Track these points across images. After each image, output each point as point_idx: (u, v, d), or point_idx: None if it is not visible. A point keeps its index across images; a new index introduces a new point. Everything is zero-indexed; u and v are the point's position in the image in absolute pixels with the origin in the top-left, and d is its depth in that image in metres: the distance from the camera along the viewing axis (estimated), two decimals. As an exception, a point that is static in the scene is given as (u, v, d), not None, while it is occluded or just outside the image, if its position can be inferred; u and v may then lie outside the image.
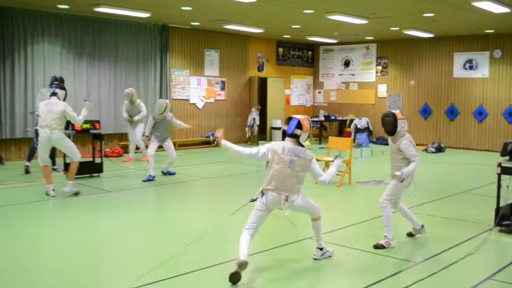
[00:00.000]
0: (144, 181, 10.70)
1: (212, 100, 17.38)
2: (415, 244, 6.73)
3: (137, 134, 13.46)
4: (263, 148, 5.56)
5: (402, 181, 6.47)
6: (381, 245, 6.36)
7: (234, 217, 5.90)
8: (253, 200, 5.65)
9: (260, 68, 19.06)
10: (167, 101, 11.16)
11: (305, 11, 13.00)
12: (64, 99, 9.13)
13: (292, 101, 20.34)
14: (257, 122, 17.73)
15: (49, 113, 8.76)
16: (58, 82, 11.11)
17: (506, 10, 11.82)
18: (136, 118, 13.36)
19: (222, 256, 5.93)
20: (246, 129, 17.79)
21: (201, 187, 10.96)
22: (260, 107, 18.22)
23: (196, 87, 16.92)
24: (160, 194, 10.09)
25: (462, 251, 6.29)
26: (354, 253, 6.32)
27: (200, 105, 16.88)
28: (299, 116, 5.69)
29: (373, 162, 15.00)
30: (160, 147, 11.24)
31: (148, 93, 15.53)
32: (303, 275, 5.55)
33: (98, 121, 11.28)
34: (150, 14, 13.51)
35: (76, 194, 9.19)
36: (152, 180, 10.71)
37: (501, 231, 7.19)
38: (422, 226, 6.88)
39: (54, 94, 9.03)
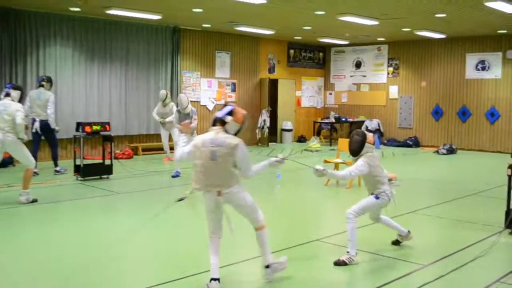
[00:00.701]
0: (173, 176, 11.42)
1: (222, 102, 17.41)
2: (424, 246, 6.68)
3: (175, 135, 13.14)
4: (189, 146, 5.15)
5: (377, 198, 6.09)
6: (343, 261, 5.87)
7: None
8: (180, 200, 5.35)
9: (271, 70, 19.07)
10: (187, 95, 11.36)
11: (316, 13, 13.00)
12: (20, 101, 8.70)
13: (303, 103, 20.32)
14: (268, 123, 17.74)
15: (0, 114, 8.32)
16: (46, 82, 11.27)
17: (519, 10, 11.75)
18: (168, 119, 12.90)
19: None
20: (257, 130, 17.80)
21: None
22: (270, 109, 18.23)
23: (207, 89, 16.97)
24: (167, 195, 10.12)
25: (472, 253, 6.25)
26: (363, 255, 6.28)
27: (210, 106, 16.92)
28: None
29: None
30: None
31: (159, 95, 15.57)
32: (309, 278, 5.53)
33: (108, 123, 11.32)
34: (161, 16, 13.57)
35: (34, 201, 8.68)
36: (178, 176, 11.36)
37: (511, 233, 7.13)
38: (409, 232, 6.52)
39: (7, 95, 8.56)
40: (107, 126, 11.14)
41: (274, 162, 5.43)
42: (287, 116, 19.14)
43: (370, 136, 6.13)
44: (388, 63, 19.58)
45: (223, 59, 17.38)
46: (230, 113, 5.08)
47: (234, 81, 17.77)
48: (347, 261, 5.87)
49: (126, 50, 14.83)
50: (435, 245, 6.79)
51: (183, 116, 11.12)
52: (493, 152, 16.75)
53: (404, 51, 19.12)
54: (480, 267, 5.86)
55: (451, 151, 16.80)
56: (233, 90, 17.75)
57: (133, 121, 14.92)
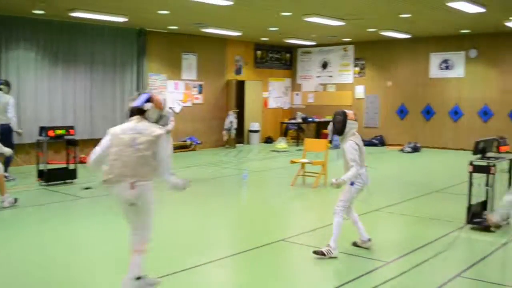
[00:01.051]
0: None
1: (189, 103, 17.35)
2: (387, 243, 6.77)
3: None
4: (104, 139, 4.74)
5: (352, 184, 6.15)
6: (321, 252, 6.01)
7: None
8: (87, 188, 5.09)
9: (238, 71, 19.07)
10: (165, 97, 11.23)
11: (282, 14, 13.04)
12: None
13: (270, 104, 20.37)
14: (235, 125, 17.74)
15: None
16: (4, 86, 11.14)
17: (481, 10, 11.95)
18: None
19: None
20: (224, 132, 17.77)
21: (186, 191, 10.87)
22: (237, 110, 18.23)
23: (174, 91, 16.88)
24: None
25: (434, 249, 6.37)
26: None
27: (177, 109, 16.83)
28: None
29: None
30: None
31: (125, 98, 15.43)
32: (273, 278, 5.56)
33: (72, 127, 11.18)
34: (127, 19, 13.45)
35: (15, 200, 8.67)
36: None
37: (472, 228, 7.28)
38: (369, 239, 6.42)
39: None
40: (71, 130, 11.00)
41: (176, 185, 4.83)
42: (254, 117, 19.17)
43: (350, 113, 6.22)
44: (354, 63, 19.77)
45: (189, 61, 17.32)
46: (149, 100, 4.82)
47: (201, 82, 17.72)
48: (325, 253, 6.02)
49: (91, 53, 14.65)
50: (398, 242, 6.89)
51: (158, 118, 11.07)
52: (456, 149, 17.03)
53: (370, 51, 19.34)
54: (442, 262, 5.96)
55: (415, 149, 17.05)
56: (200, 92, 17.70)
57: (99, 125, 14.73)
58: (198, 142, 17.14)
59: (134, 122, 4.70)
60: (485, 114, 17.00)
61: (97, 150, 4.75)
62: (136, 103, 4.82)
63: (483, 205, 7.56)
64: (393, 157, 15.97)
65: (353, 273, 5.55)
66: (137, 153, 4.53)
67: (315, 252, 6.03)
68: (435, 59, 17.91)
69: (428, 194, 10.03)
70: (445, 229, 7.27)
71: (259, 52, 19.89)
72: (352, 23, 14.46)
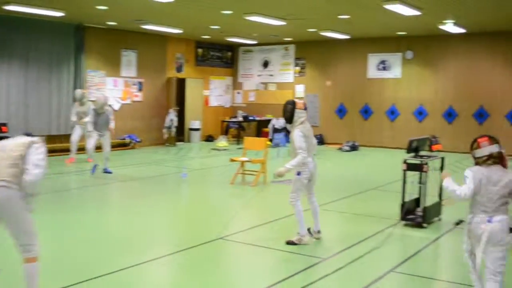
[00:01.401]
0: (92, 172, 11.36)
1: (128, 101, 17.08)
2: (324, 240, 6.88)
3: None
4: None
5: (299, 174, 6.37)
6: (292, 241, 6.45)
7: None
8: None
9: (179, 69, 18.93)
10: (106, 95, 11.34)
11: (223, 12, 13.02)
12: None
13: (211, 102, 20.32)
14: (175, 123, 17.60)
15: None
16: None
17: (416, 13, 12.30)
18: (86, 119, 12.23)
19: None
20: (164, 130, 17.60)
21: (125, 189, 10.73)
22: (178, 108, 18.10)
23: (113, 88, 16.58)
24: (76, 196, 9.83)
25: (369, 245, 6.52)
26: (265, 251, 6.38)
27: (116, 106, 16.55)
28: None
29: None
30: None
31: (62, 95, 15.06)
32: (211, 276, 5.55)
33: (5, 124, 10.85)
34: (64, 13, 13.10)
35: None
36: (96, 168, 11.41)
37: (406, 225, 7.50)
38: (319, 231, 6.75)
39: None
40: (3, 127, 10.66)
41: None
42: (195, 115, 19.08)
43: (300, 103, 6.49)
44: (295, 62, 19.98)
45: (129, 58, 17.05)
46: None
47: (141, 80, 17.48)
48: (296, 242, 6.39)
49: (26, 48, 14.18)
50: (335, 239, 7.00)
51: (98, 115, 11.33)
52: (393, 148, 17.48)
53: (310, 51, 19.58)
54: (376, 258, 6.11)
55: (354, 148, 17.40)
56: (140, 89, 17.46)
57: (34, 122, 14.30)
58: (138, 140, 16.90)
59: None
60: (420, 114, 17.53)
61: None
62: None
63: (416, 202, 7.80)
64: (332, 156, 16.23)
65: (291, 270, 5.61)
66: (4, 155, 4.20)
67: (287, 243, 6.40)
68: (373, 60, 18.32)
69: (365, 192, 10.26)
70: (380, 226, 7.46)
71: (200, 50, 19.79)
72: (293, 23, 14.60)
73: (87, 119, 11.96)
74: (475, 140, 4.44)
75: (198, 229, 7.50)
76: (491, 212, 4.28)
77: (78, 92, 13.20)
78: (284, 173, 6.31)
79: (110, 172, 11.66)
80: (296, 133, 6.31)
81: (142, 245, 6.59)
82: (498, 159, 4.35)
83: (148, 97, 17.74)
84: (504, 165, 4.37)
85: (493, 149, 4.34)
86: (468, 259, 4.52)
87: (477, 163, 4.43)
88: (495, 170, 4.33)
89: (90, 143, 11.55)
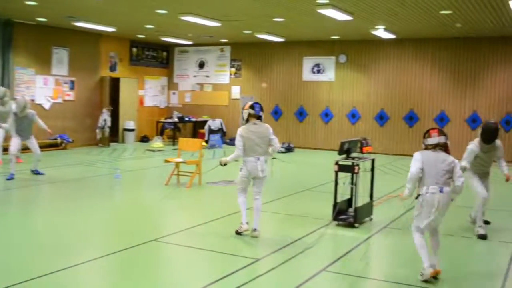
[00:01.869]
0: (7, 179, 10.67)
1: (60, 100, 16.60)
2: (258, 241, 6.92)
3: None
4: None
5: (240, 171, 6.98)
6: (236, 230, 7.01)
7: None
8: None
9: (113, 68, 18.56)
10: (26, 98, 11.13)
11: (158, 11, 12.87)
12: None
13: (145, 102, 20.03)
14: (109, 123, 17.25)
15: None
16: None
17: (348, 18, 12.58)
18: (5, 125, 11.87)
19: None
20: (97, 130, 17.23)
21: (57, 191, 10.40)
22: (111, 108, 17.75)
23: (43, 87, 16.06)
24: (3, 198, 9.48)
25: (302, 245, 6.60)
26: (199, 253, 6.36)
27: (47, 105, 16.05)
28: None
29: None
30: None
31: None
32: (145, 278, 5.47)
33: None
34: (-10, 8, 12.62)
35: None
36: (13, 178, 10.69)
37: (338, 225, 7.64)
38: (255, 229, 7.02)
39: None
40: None
41: None
42: (129, 115, 18.77)
43: (247, 105, 7.06)
44: (231, 64, 20.00)
45: (60, 56, 16.58)
46: None
47: (73, 79, 17.02)
48: (238, 230, 6.98)
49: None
50: (269, 239, 7.05)
51: (19, 119, 10.90)
52: (327, 150, 17.78)
53: (246, 53, 19.65)
54: (309, 258, 6.19)
55: (289, 149, 17.59)
56: (72, 88, 16.99)
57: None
58: (70, 140, 16.46)
59: None
60: (353, 116, 17.92)
61: None
62: None
63: (348, 202, 7.96)
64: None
65: (224, 271, 5.60)
66: None
67: (236, 232, 6.98)
68: (308, 63, 18.59)
69: (299, 193, 10.39)
70: (313, 226, 7.56)
71: (135, 49, 19.49)
72: (228, 25, 14.62)
73: (6, 124, 11.52)
74: (427, 131, 5.67)
75: (131, 231, 7.38)
76: (441, 184, 5.44)
77: (0, 89, 12.43)
78: (224, 162, 7.01)
79: (41, 174, 11.34)
80: (237, 132, 6.92)
81: (74, 247, 6.44)
82: (443, 148, 5.56)
83: (80, 96, 17.30)
84: (448, 153, 5.58)
85: (441, 139, 5.56)
86: (418, 221, 5.57)
87: (426, 148, 5.61)
88: (441, 154, 5.53)
89: (13, 146, 10.89)
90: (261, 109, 7.12)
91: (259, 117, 7.04)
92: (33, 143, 11.20)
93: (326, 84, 18.34)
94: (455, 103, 16.54)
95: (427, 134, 5.64)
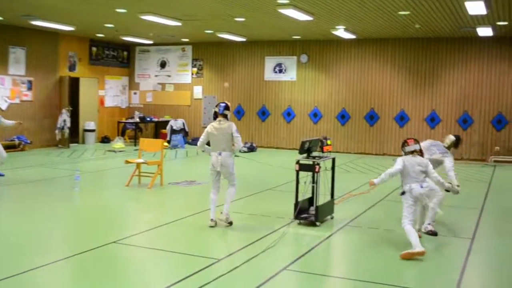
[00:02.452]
0: None
1: (17, 100, 16.22)
2: (219, 241, 6.91)
3: None
4: None
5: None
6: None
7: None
8: None
9: (72, 68, 18.24)
10: None
11: (117, 10, 12.71)
12: None
13: (106, 102, 19.75)
14: (68, 124, 16.96)
15: None
16: None
17: (309, 18, 12.66)
18: None
19: (17, 266, 5.55)
20: (56, 131, 16.92)
21: (15, 192, 10.15)
22: (71, 109, 17.45)
23: (-1, 87, 15.71)
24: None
25: (264, 245, 6.60)
26: (160, 254, 6.30)
27: (3, 106, 15.68)
28: None
29: (188, 163, 15.17)
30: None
31: None
32: (105, 280, 5.40)
33: None
34: None
35: None
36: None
37: (299, 224, 7.68)
38: (227, 218, 7.56)
39: None
40: None
41: None
42: (89, 116, 18.50)
43: (221, 105, 7.54)
44: (193, 63, 19.90)
45: (17, 55, 16.20)
46: None
47: (30, 79, 16.66)
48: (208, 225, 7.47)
49: None
50: (231, 239, 7.06)
51: None
52: (289, 149, 17.88)
53: (208, 52, 19.59)
54: (270, 257, 6.20)
55: (251, 149, 17.61)
56: (29, 88, 16.64)
57: None
58: (28, 141, 16.11)
59: None
60: (315, 116, 18.05)
61: None
62: None
63: (310, 201, 8.01)
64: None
65: (185, 272, 5.57)
66: None
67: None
68: (270, 62, 18.64)
69: (261, 192, 10.40)
70: (275, 225, 7.59)
71: (94, 49, 19.21)
72: (189, 24, 14.54)
73: None
74: (405, 141, 6.71)
75: (91, 233, 7.27)
76: (420, 181, 6.47)
77: None
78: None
79: (1, 175, 11.14)
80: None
81: (33, 250, 6.31)
82: (419, 153, 6.63)
83: (39, 96, 16.95)
84: (422, 156, 6.70)
85: (416, 147, 6.63)
86: (410, 208, 6.47)
87: (406, 155, 6.60)
88: (418, 158, 6.58)
89: None
90: (226, 108, 7.52)
91: (224, 116, 7.51)
92: None
93: (288, 83, 18.43)
94: (415, 102, 16.82)
95: (405, 143, 6.70)
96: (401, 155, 6.72)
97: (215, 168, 7.50)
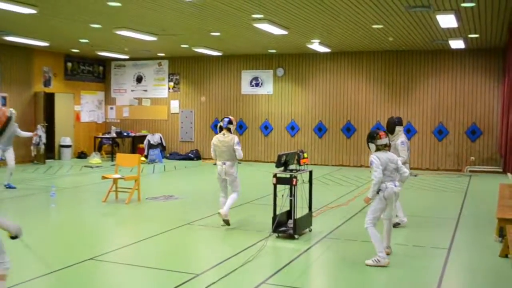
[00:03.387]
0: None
1: (-9, 117, 15.99)
2: (198, 257, 6.87)
3: None
4: None
5: None
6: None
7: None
8: None
9: (47, 83, 18.09)
10: (12, 110, 11.17)
11: (92, 25, 12.67)
12: None
13: (82, 118, 19.60)
14: (44, 140, 16.76)
15: None
16: None
17: (284, 32, 12.76)
18: None
19: None
20: (32, 147, 16.69)
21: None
22: (46, 124, 17.27)
23: (-27, 103, 15.51)
24: None
25: (242, 259, 6.58)
26: (138, 270, 6.25)
27: (-23, 122, 15.45)
28: None
29: (165, 178, 15.09)
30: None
31: None
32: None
33: None
34: None
35: None
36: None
37: (278, 237, 7.68)
38: (225, 216, 8.25)
39: None
40: None
41: None
42: (65, 131, 18.33)
43: (225, 120, 8.48)
44: (169, 78, 19.88)
45: (-9, 71, 16.04)
46: None
47: (4, 95, 16.46)
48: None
49: None
50: (209, 254, 7.02)
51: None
52: (267, 162, 17.91)
53: (184, 67, 19.60)
54: (249, 271, 6.18)
55: (229, 163, 17.55)
56: (4, 104, 16.43)
57: None
58: (2, 158, 15.84)
59: None
60: (293, 129, 18.13)
61: None
62: None
63: (288, 214, 8.02)
64: (207, 171, 16.25)
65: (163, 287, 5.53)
66: None
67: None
68: (246, 76, 18.71)
69: (240, 206, 10.35)
70: (253, 239, 7.57)
71: (69, 64, 19.08)
72: (165, 39, 14.54)
73: None
74: (377, 133, 6.52)
75: (68, 249, 7.18)
76: (394, 180, 6.49)
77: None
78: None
79: (13, 187, 11.84)
80: None
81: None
82: (388, 147, 6.62)
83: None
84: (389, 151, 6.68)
85: (387, 140, 6.58)
86: (375, 214, 6.46)
87: (378, 149, 6.52)
88: (390, 154, 6.61)
89: None
90: (230, 122, 8.44)
91: (228, 129, 8.37)
92: (10, 155, 11.89)
93: (265, 97, 18.50)
94: (390, 114, 16.93)
95: (377, 136, 6.51)
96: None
97: (220, 176, 8.35)
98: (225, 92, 19.03)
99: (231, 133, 8.36)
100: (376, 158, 6.41)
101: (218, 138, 8.38)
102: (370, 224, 6.43)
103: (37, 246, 7.54)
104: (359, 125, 17.33)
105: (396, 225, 8.11)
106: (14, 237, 4.84)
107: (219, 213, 8.28)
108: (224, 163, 8.26)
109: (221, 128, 8.45)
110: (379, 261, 6.27)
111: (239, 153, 8.27)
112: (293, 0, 9.63)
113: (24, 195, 11.43)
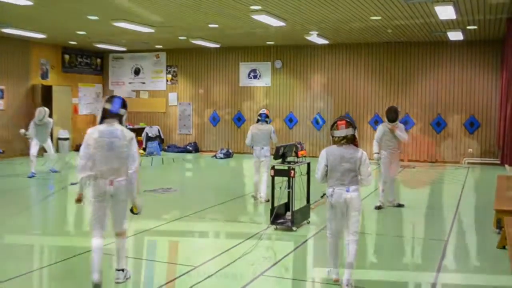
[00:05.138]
0: (28, 177, 12.47)
1: (-10, 109, 15.99)
2: (196, 249, 6.87)
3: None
4: None
5: None
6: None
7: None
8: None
9: (44, 76, 18.03)
10: (46, 108, 13.06)
11: (89, 17, 12.60)
12: None
13: (80, 110, 19.55)
14: (42, 132, 16.75)
15: None
16: None
17: (282, 24, 12.71)
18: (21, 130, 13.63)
19: None
20: (30, 140, 16.65)
21: None
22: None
23: (-30, 96, 15.45)
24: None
25: (240, 251, 6.58)
26: (137, 262, 6.24)
27: (-25, 115, 15.46)
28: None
29: (164, 170, 15.08)
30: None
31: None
32: (79, 290, 5.34)
33: None
34: None
35: None
36: (34, 176, 12.54)
37: (276, 229, 7.68)
38: (260, 196, 9.59)
39: None
40: None
41: None
42: (63, 124, 18.27)
43: (263, 114, 9.91)
44: (167, 70, 19.83)
45: (-12, 64, 15.97)
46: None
47: (2, 87, 16.42)
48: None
49: None
50: (207, 246, 7.04)
51: (38, 126, 12.98)
52: (265, 155, 17.85)
53: (182, 59, 19.54)
54: (247, 263, 6.18)
55: (228, 155, 17.58)
56: (1, 97, 16.39)
57: None
58: (1, 151, 15.83)
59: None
60: (291, 121, 18.11)
61: None
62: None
63: (286, 206, 8.01)
64: (206, 163, 16.28)
65: (162, 279, 5.54)
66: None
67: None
68: (244, 68, 18.65)
69: (238, 198, 10.38)
70: (251, 231, 7.56)
71: (67, 56, 19.01)
72: (163, 31, 14.47)
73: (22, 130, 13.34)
74: (335, 122, 5.35)
75: (66, 242, 7.16)
76: (347, 184, 5.24)
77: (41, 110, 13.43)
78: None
79: (56, 171, 13.40)
80: None
81: (5, 259, 6.18)
82: (350, 140, 5.27)
83: (11, 105, 16.70)
84: (356, 145, 5.33)
85: (348, 132, 5.27)
86: (329, 223, 5.45)
87: (334, 142, 5.36)
88: (347, 149, 5.26)
89: (33, 149, 12.97)
90: (267, 116, 9.98)
91: (265, 121, 9.87)
92: (49, 145, 13.34)
93: (263, 89, 18.46)
94: (388, 106, 16.94)
95: (334, 125, 5.33)
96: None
97: (258, 159, 9.76)
98: (224, 84, 18.98)
99: (268, 123, 9.91)
100: (323, 154, 5.36)
101: (257, 127, 9.84)
102: (329, 235, 5.50)
103: (35, 238, 7.56)
104: (357, 117, 17.28)
105: (400, 205, 9.22)
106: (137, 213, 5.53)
107: (256, 198, 9.72)
108: (262, 148, 9.72)
109: (258, 119, 9.93)
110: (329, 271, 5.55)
111: (275, 139, 9.91)
112: (291, -9, 9.59)
113: (21, 187, 11.42)
